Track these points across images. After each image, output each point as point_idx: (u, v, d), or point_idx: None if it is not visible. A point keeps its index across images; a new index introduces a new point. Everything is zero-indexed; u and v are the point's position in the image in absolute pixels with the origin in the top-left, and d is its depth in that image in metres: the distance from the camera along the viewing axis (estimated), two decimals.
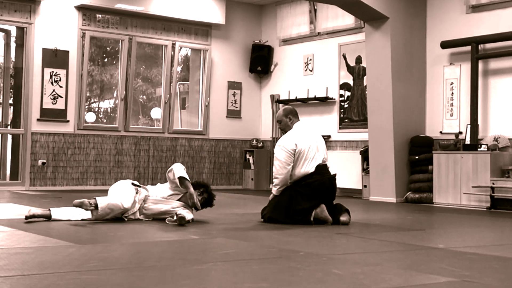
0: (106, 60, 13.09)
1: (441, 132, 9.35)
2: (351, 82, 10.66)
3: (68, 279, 3.15)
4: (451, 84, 9.28)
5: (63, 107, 10.26)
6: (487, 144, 8.42)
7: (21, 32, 10.14)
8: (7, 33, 10.44)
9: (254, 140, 12.05)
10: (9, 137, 10.43)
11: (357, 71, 10.54)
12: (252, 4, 12.21)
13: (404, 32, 9.43)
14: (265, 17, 12.34)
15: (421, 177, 9.14)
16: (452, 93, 9.26)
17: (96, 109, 13.35)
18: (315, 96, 11.10)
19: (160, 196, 5.88)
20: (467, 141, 8.78)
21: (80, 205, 5.51)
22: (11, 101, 10.49)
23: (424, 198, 9.01)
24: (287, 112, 6.19)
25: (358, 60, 10.52)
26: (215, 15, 11.53)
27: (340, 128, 10.81)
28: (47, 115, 10.11)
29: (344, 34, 10.79)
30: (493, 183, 8.12)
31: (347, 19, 10.60)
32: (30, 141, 10.00)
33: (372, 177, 9.52)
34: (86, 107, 11.48)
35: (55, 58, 10.18)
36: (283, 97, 11.76)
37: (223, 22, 11.65)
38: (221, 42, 11.95)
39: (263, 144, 12.06)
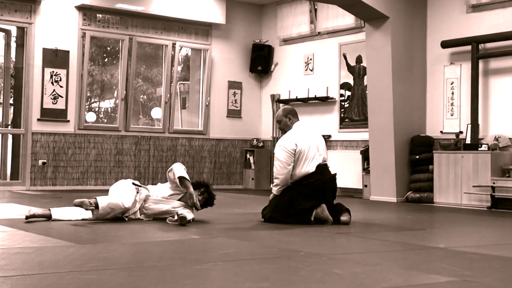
0: (106, 60, 13.10)
1: (441, 132, 9.35)
2: (351, 82, 10.66)
3: (68, 279, 3.15)
4: (451, 84, 9.28)
5: (64, 107, 10.26)
6: (487, 144, 8.42)
7: (22, 32, 10.14)
8: (7, 33, 10.44)
9: (255, 139, 12.05)
10: (10, 137, 10.43)
11: (358, 70, 10.54)
12: (252, 3, 12.20)
13: (404, 31, 9.43)
14: (266, 17, 12.33)
15: (422, 176, 9.14)
16: (453, 93, 9.25)
17: (97, 109, 13.36)
18: (315, 95, 11.10)
19: (161, 196, 5.88)
20: (468, 141, 8.77)
21: (80, 205, 5.51)
22: (11, 101, 10.49)
23: (424, 197, 9.01)
24: (287, 112, 6.18)
25: (359, 59, 10.51)
26: (216, 14, 11.53)
27: (340, 128, 10.80)
28: (47, 115, 10.11)
29: (345, 33, 10.79)
30: (494, 183, 8.11)
31: (347, 19, 10.60)
32: (31, 141, 10.00)
33: (372, 177, 9.52)
34: (87, 107, 11.48)
35: (56, 58, 10.18)
36: (284, 96, 11.76)
37: (224, 22, 11.64)
38: (222, 41, 11.95)
39: (263, 143, 12.06)
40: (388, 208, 8.20)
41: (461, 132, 8.99)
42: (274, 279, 3.27)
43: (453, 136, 8.96)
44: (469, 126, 8.83)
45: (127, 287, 3.02)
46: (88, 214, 5.65)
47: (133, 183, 5.88)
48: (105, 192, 6.00)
